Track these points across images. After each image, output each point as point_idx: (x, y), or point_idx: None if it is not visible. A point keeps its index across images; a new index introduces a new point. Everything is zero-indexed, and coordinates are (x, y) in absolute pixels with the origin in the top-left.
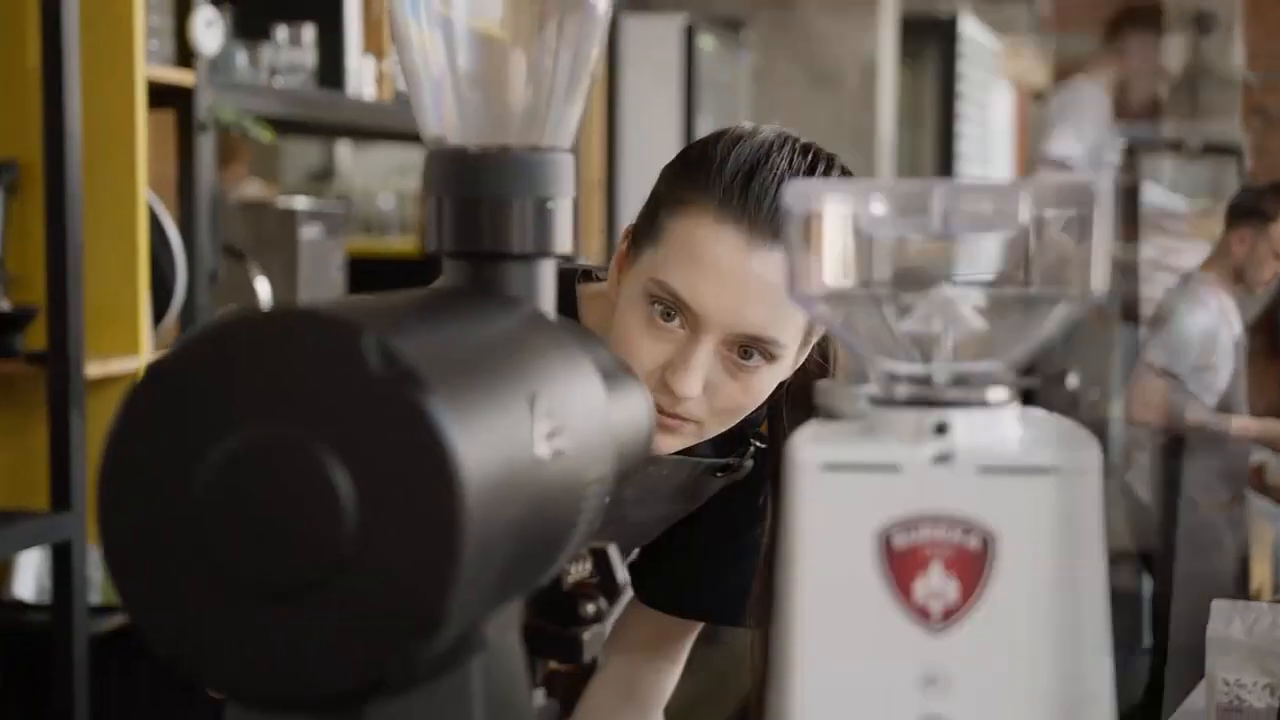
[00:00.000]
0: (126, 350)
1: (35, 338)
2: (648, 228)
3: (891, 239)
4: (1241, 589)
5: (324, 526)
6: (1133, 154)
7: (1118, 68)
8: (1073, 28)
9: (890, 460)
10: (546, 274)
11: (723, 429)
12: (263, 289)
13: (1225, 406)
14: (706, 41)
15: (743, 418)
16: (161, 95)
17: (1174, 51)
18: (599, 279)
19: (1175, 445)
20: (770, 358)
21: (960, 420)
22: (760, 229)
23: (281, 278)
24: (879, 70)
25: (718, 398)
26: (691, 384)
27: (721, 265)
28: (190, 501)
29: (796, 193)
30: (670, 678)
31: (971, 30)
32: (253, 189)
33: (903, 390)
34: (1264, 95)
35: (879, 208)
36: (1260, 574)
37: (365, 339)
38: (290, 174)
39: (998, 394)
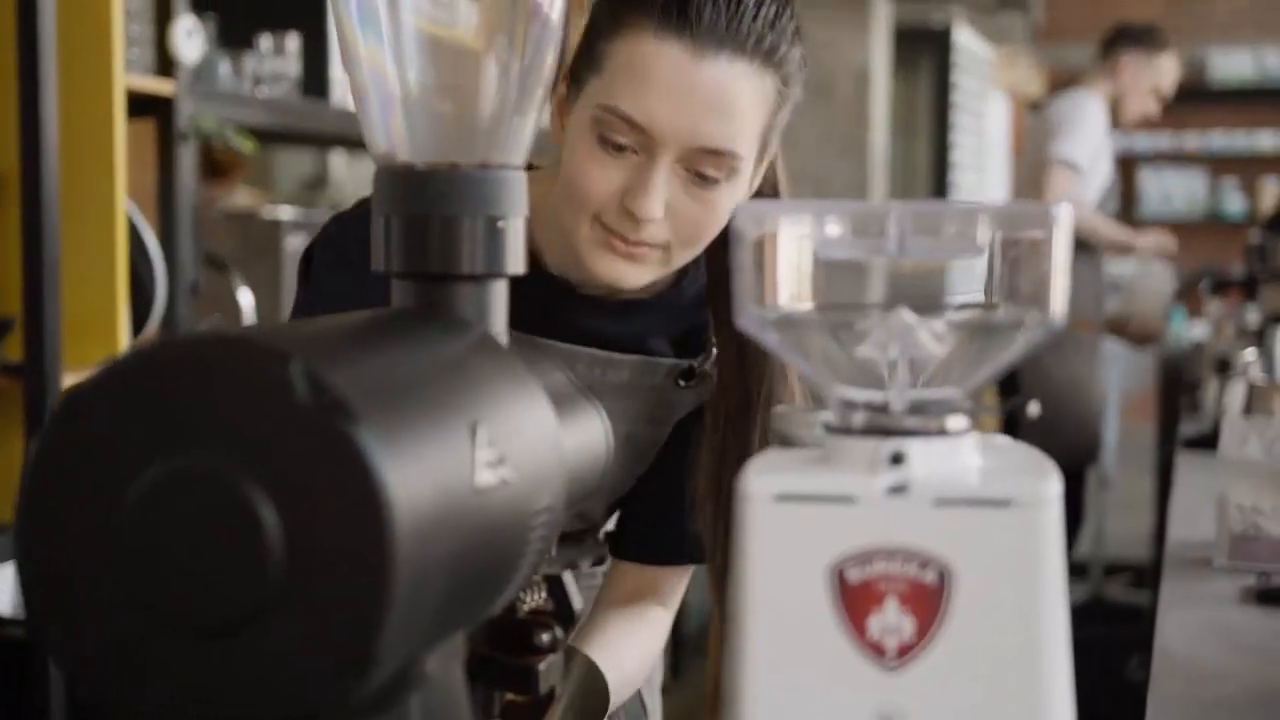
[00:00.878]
0: (104, 362)
1: (12, 349)
2: (587, 59)
3: (847, 261)
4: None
5: (249, 561)
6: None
7: (1112, 84)
8: (1068, 38)
9: (844, 491)
10: (498, 294)
11: (689, 256)
12: (245, 300)
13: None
14: None
15: (711, 237)
16: (142, 104)
17: (1170, 68)
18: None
19: None
20: (729, 172)
21: (917, 450)
22: (703, 39)
23: (267, 288)
24: (872, 80)
25: (680, 220)
26: (652, 204)
27: (668, 79)
28: (113, 533)
29: (747, 214)
30: (664, 625)
31: (966, 40)
32: (243, 198)
33: (859, 418)
34: None
35: (834, 230)
36: None
37: (293, 366)
38: (283, 182)
39: (956, 422)
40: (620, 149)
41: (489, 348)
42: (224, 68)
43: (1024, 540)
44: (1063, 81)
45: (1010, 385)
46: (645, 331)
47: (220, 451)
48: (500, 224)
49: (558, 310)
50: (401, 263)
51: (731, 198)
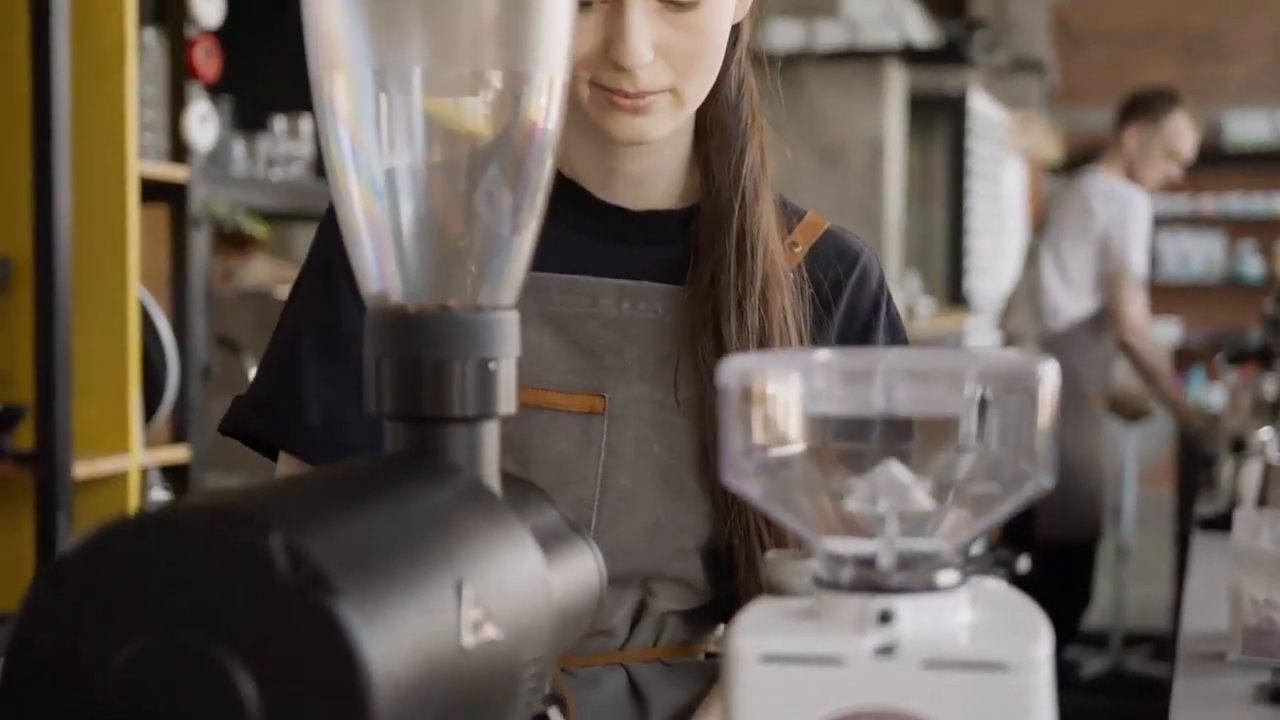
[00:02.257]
0: (116, 449)
1: (23, 437)
2: None
3: (834, 414)
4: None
5: None
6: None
7: (1123, 158)
8: (1083, 101)
9: (831, 653)
10: (489, 436)
11: (702, 90)
12: None
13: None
14: None
15: (716, 66)
16: (156, 190)
17: (1181, 129)
18: None
19: (1067, 334)
20: None
21: (906, 608)
22: None
23: None
24: (886, 150)
25: (674, 55)
26: (635, 50)
27: None
28: (94, 706)
29: (733, 369)
30: None
31: (981, 105)
32: (261, 267)
33: (846, 574)
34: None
35: (820, 383)
36: None
37: (273, 539)
38: (300, 249)
39: (946, 577)
40: (587, 4)
41: (477, 496)
42: (238, 150)
43: (1015, 704)
44: (1079, 144)
45: None
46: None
47: (201, 625)
48: (492, 365)
49: (597, 236)
50: (392, 405)
51: (720, 10)
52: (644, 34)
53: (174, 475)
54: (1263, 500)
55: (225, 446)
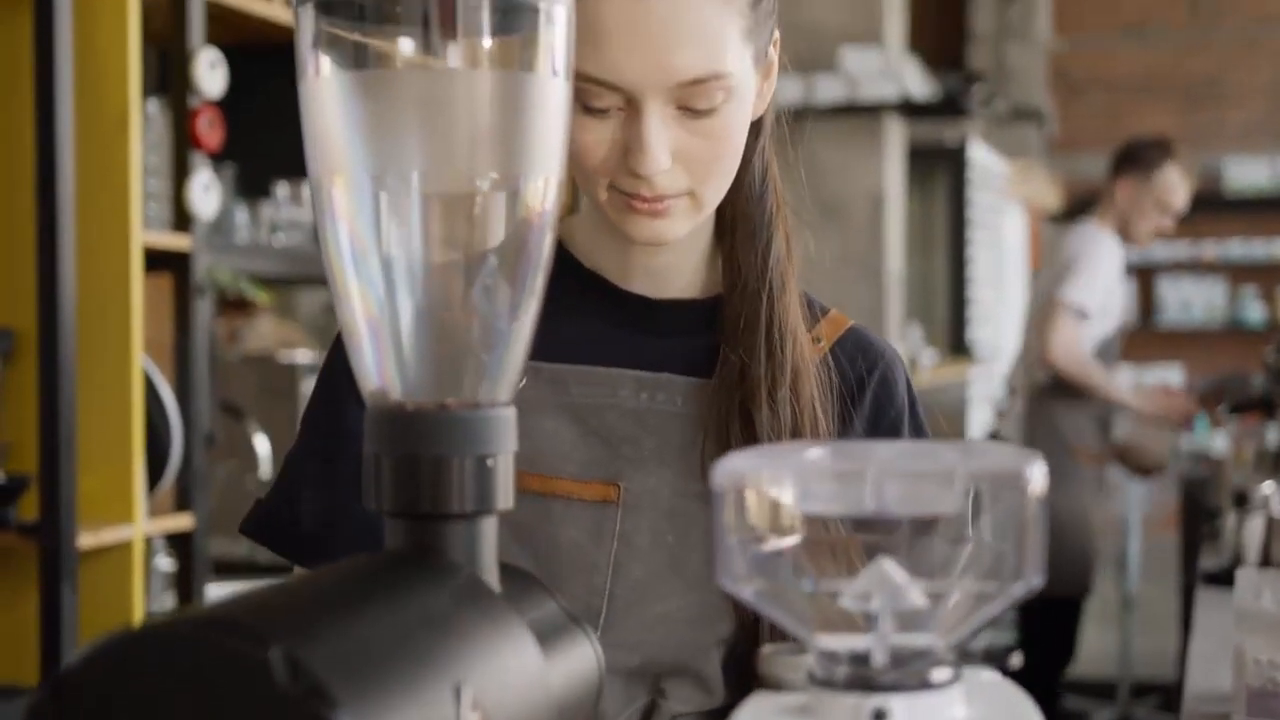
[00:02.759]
0: (120, 519)
1: (27, 508)
2: None
3: (827, 513)
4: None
5: None
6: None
7: (1115, 209)
8: (1083, 149)
9: None
10: (488, 531)
11: (720, 192)
12: (262, 447)
13: (1100, 357)
14: None
15: (734, 168)
16: (159, 259)
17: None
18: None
19: (1053, 388)
20: (724, 94)
21: (900, 706)
22: None
23: (284, 431)
24: (886, 203)
25: (692, 161)
26: (652, 159)
27: (620, 26)
28: None
29: (726, 471)
30: None
31: (981, 156)
32: (266, 328)
33: (841, 671)
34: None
35: (813, 483)
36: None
37: (272, 651)
38: (305, 308)
39: (940, 674)
40: (604, 112)
41: (475, 594)
42: (241, 216)
43: None
44: (1079, 192)
45: None
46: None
47: None
48: (490, 462)
49: (617, 325)
50: (391, 502)
51: (739, 114)
52: (661, 141)
53: (178, 543)
54: (1266, 555)
55: (229, 513)
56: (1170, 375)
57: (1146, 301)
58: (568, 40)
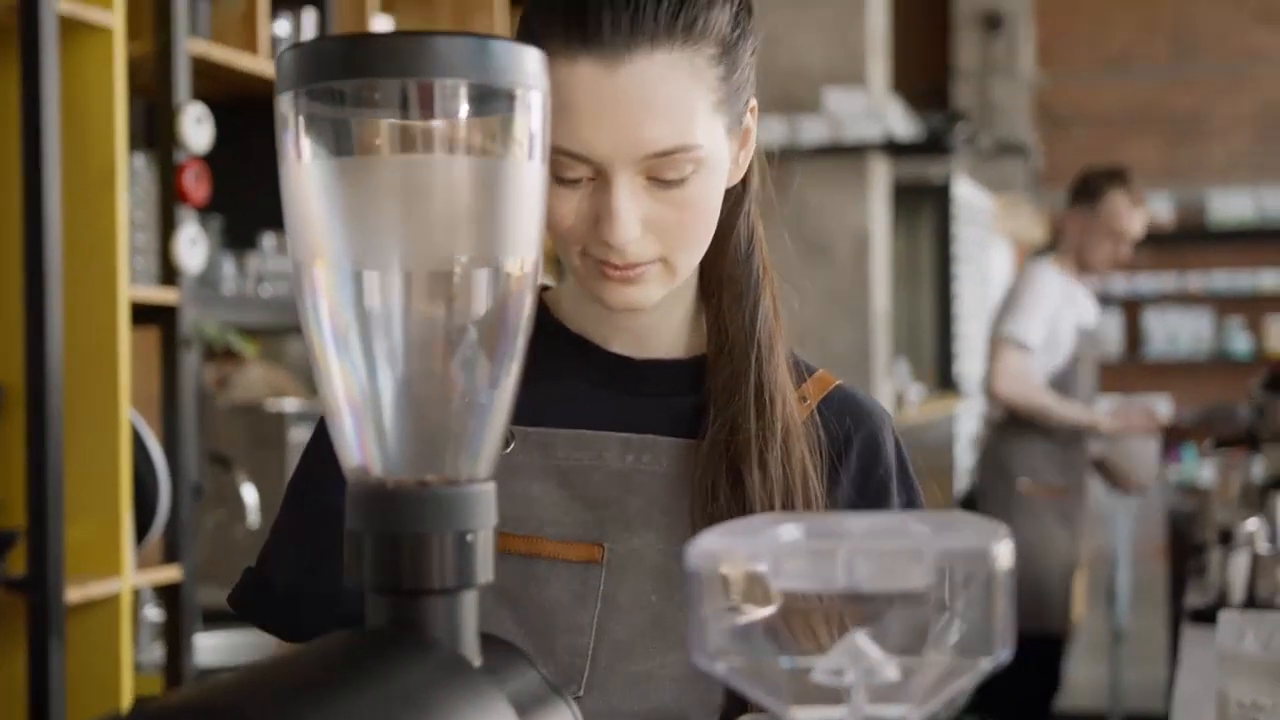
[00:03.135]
0: (109, 572)
1: (15, 563)
2: None
3: (800, 590)
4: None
5: None
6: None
7: (1068, 243)
8: (1068, 182)
9: None
10: (468, 606)
11: (694, 259)
12: (249, 497)
13: (1059, 388)
14: None
15: (708, 235)
16: (146, 313)
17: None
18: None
19: (1006, 424)
20: (694, 164)
21: None
22: (611, 45)
23: (273, 481)
24: (872, 241)
25: (663, 229)
26: (624, 228)
27: (589, 99)
28: None
29: (700, 552)
30: None
31: (965, 192)
32: (255, 374)
33: None
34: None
35: (786, 564)
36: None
37: None
38: (295, 353)
39: None
40: (576, 181)
41: (455, 669)
42: (228, 267)
43: None
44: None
45: None
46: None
47: None
48: (470, 538)
49: (602, 386)
50: (373, 578)
51: (713, 185)
52: (631, 212)
53: (167, 594)
54: (1251, 593)
55: (217, 562)
56: (1158, 406)
57: (1133, 333)
58: (544, 125)
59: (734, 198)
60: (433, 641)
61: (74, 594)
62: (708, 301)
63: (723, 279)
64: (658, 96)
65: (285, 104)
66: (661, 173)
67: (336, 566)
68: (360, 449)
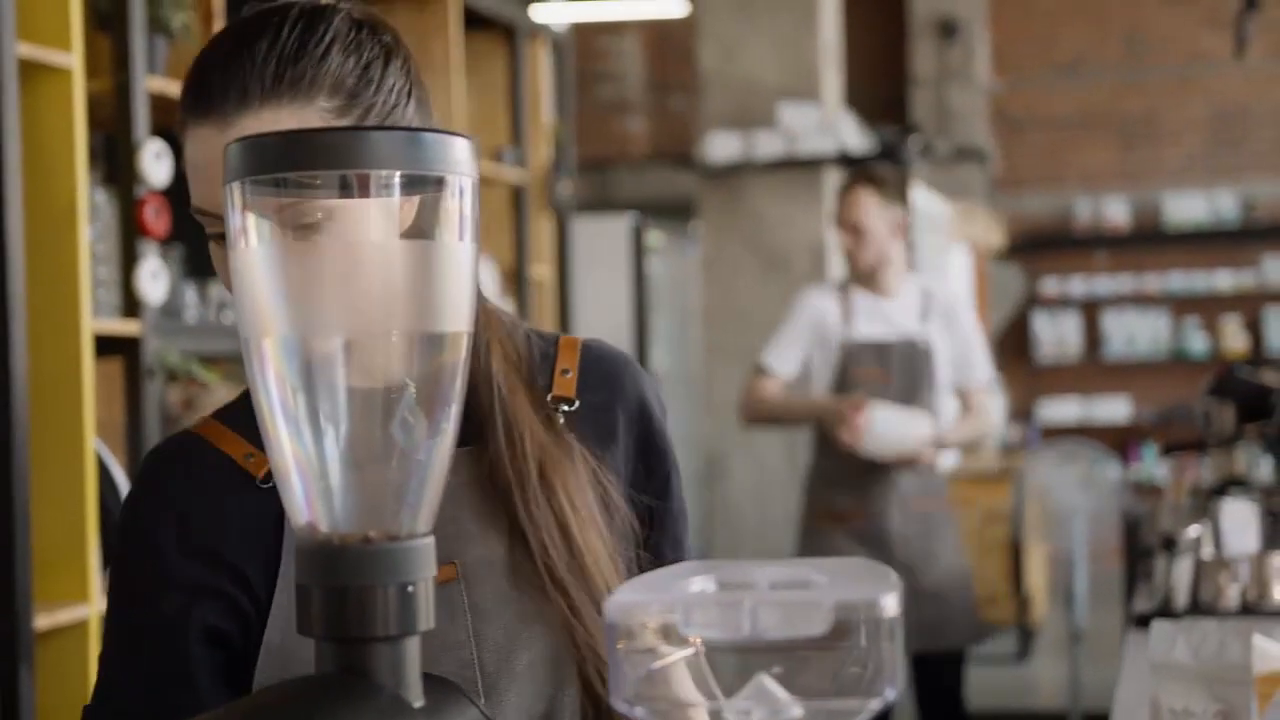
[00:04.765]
0: (75, 599)
1: None
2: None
3: (709, 638)
4: None
5: None
6: None
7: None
8: (1026, 187)
9: None
10: (411, 651)
11: None
12: None
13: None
14: (655, 237)
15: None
16: (109, 344)
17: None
18: None
19: (809, 463)
20: (326, 212)
21: None
22: (224, 109)
23: None
24: (827, 253)
25: None
26: None
27: (211, 158)
28: None
29: (616, 605)
30: None
31: (923, 201)
32: (221, 394)
33: None
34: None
35: (696, 615)
36: None
37: None
38: None
39: None
40: (222, 238)
41: (397, 713)
42: (190, 296)
43: None
44: (1022, 230)
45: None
46: None
47: None
48: (411, 588)
49: None
50: (321, 627)
51: (354, 232)
52: None
53: None
54: (1194, 598)
55: None
56: (1117, 407)
57: (1092, 334)
58: (474, 207)
59: None
60: (378, 686)
61: (41, 621)
62: None
63: None
64: None
65: (232, 193)
66: (298, 221)
67: (184, 687)
68: (308, 507)
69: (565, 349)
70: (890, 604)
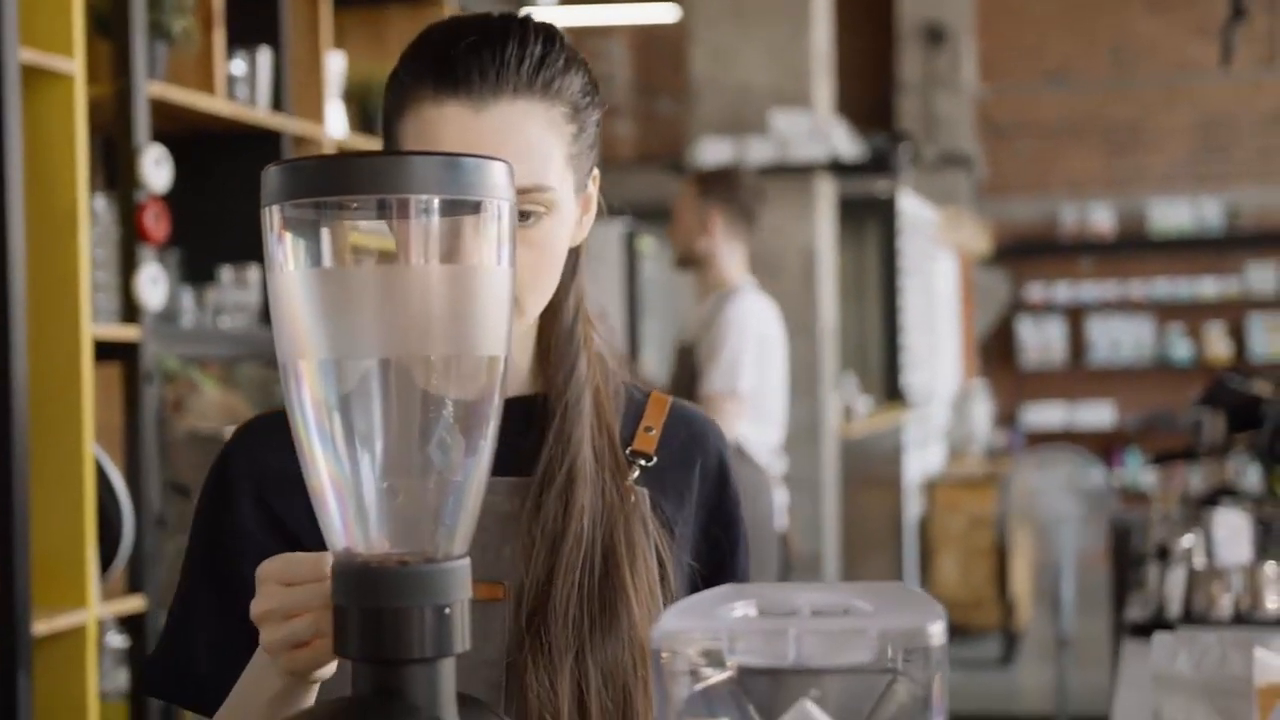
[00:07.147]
0: (74, 604)
1: None
2: (387, 146)
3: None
4: None
5: None
6: None
7: None
8: (1011, 192)
9: None
10: (446, 673)
11: (540, 301)
12: None
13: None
14: (647, 244)
15: (554, 282)
16: (108, 349)
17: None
18: None
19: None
20: (547, 206)
21: None
22: (479, 92)
23: None
24: (818, 259)
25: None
26: None
27: (454, 135)
28: None
29: (661, 633)
30: None
31: (910, 205)
32: (212, 396)
33: None
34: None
35: (740, 642)
36: None
37: None
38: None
39: None
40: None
41: None
42: (187, 301)
43: None
44: (1008, 235)
45: None
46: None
47: None
48: (447, 610)
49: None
50: (358, 649)
51: (559, 229)
52: None
53: (131, 624)
54: (1187, 607)
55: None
56: (1101, 412)
57: (1077, 341)
58: (511, 231)
59: (572, 262)
60: (414, 708)
61: (40, 626)
62: (540, 344)
63: (550, 340)
64: (515, 137)
65: (270, 217)
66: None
67: (252, 639)
68: (345, 533)
69: (654, 406)
70: (937, 632)
